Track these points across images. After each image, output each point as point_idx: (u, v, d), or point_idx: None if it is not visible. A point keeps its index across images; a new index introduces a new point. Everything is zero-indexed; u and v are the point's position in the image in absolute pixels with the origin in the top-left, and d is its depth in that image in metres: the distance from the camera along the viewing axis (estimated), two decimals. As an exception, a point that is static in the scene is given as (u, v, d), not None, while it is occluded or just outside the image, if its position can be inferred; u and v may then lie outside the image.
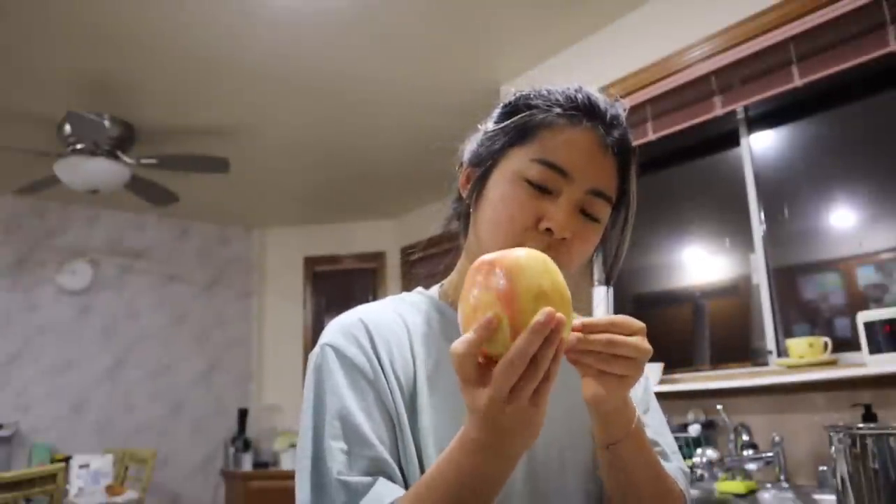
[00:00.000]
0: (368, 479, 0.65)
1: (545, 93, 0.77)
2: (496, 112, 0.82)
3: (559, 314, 0.52)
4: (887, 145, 2.12)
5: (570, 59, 2.79)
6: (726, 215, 2.56)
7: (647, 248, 2.88)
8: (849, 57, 1.92)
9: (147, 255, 4.99)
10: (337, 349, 0.73)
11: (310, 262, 5.36)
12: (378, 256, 5.29)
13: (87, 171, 3.30)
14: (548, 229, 0.71)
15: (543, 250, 0.69)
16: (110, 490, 3.42)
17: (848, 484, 1.05)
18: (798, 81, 2.03)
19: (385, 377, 0.72)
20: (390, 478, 0.67)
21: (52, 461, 3.85)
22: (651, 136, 2.44)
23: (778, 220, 2.34)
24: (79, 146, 3.27)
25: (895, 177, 2.10)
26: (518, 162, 0.74)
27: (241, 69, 2.98)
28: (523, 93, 0.79)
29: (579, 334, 0.59)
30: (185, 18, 2.59)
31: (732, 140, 2.45)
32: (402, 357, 0.75)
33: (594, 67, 2.64)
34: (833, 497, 1.28)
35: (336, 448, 0.67)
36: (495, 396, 0.52)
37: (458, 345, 0.53)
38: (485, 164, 0.77)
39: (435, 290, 0.85)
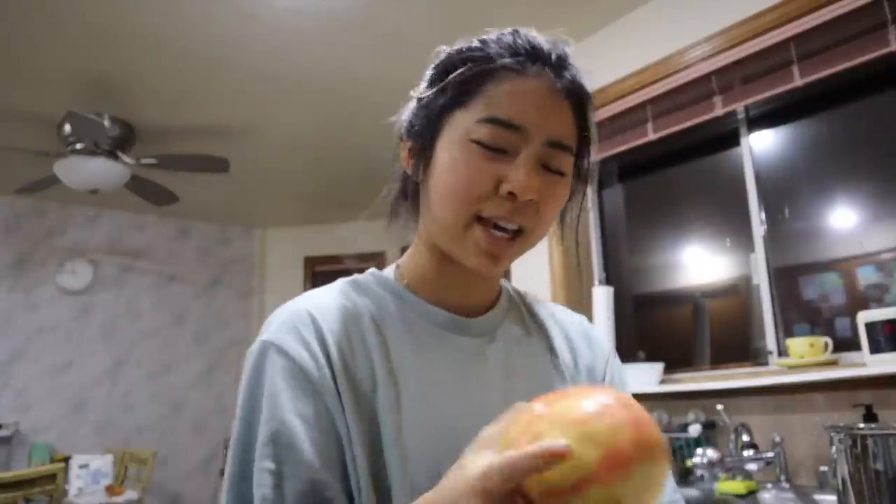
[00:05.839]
0: None
1: (480, 44, 0.70)
2: (428, 74, 0.73)
3: None
4: (888, 145, 2.12)
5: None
6: (726, 215, 2.55)
7: (647, 248, 2.87)
8: (849, 57, 1.91)
9: (147, 255, 4.99)
10: (279, 347, 0.63)
11: (310, 262, 5.36)
12: (378, 256, 5.29)
13: (87, 171, 3.30)
14: (510, 193, 0.64)
15: (510, 215, 0.65)
16: (110, 490, 3.42)
17: (849, 484, 1.04)
18: (798, 81, 2.02)
19: (335, 379, 0.62)
20: (329, 502, 0.58)
21: (52, 461, 3.85)
22: (651, 136, 2.44)
23: (778, 220, 2.34)
24: (79, 146, 3.27)
25: None
26: (465, 125, 0.65)
27: (241, 69, 2.98)
28: (456, 48, 0.71)
29: None
30: (185, 18, 2.59)
31: (732, 140, 2.44)
32: (355, 350, 0.66)
33: (594, 67, 2.62)
34: (834, 497, 1.28)
35: (264, 469, 0.58)
36: None
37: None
38: (427, 135, 0.69)
39: (390, 270, 0.76)
